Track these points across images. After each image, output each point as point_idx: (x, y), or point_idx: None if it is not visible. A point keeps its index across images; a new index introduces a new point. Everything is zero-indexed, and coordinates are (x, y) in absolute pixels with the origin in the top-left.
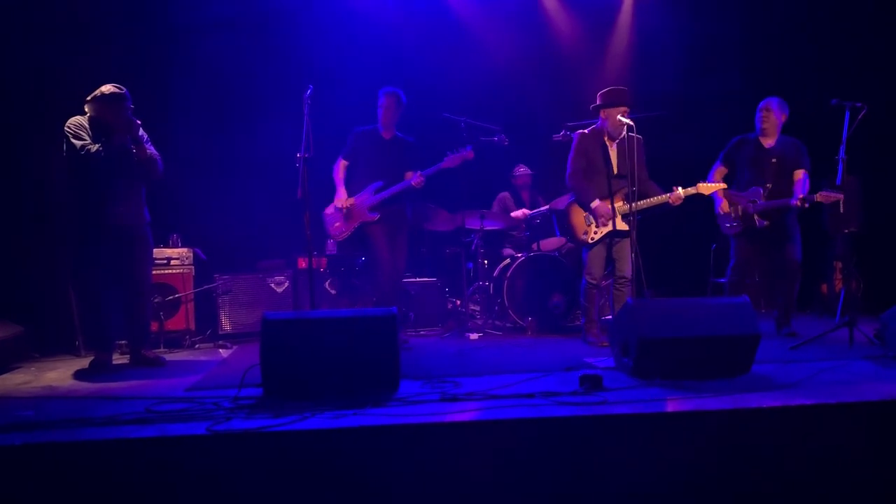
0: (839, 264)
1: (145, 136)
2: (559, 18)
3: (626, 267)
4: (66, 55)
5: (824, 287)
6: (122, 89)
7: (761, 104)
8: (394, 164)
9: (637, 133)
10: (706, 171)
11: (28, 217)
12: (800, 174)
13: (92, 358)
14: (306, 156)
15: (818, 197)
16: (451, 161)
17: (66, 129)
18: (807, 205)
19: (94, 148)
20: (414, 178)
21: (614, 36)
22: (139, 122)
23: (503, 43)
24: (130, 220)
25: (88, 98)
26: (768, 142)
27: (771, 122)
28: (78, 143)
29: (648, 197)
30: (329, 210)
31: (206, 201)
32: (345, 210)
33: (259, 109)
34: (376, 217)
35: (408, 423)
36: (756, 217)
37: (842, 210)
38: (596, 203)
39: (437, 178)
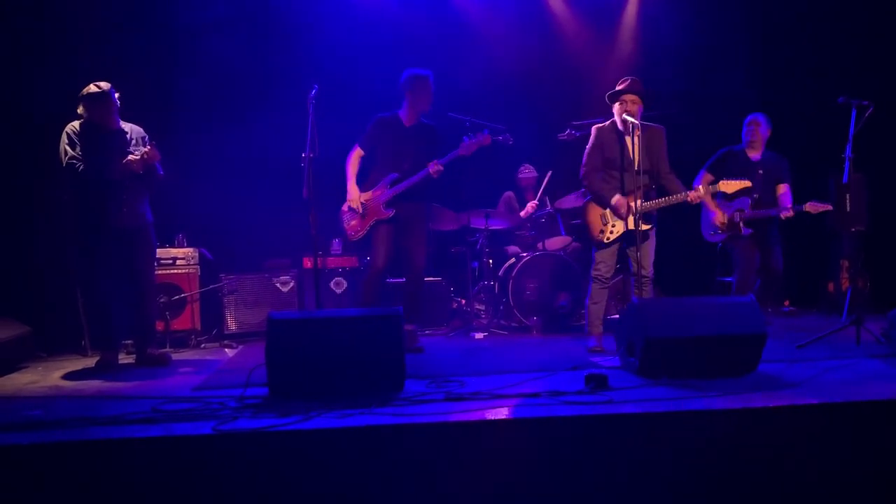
0: (846, 263)
1: (146, 137)
2: (564, 17)
3: (647, 265)
4: (71, 55)
5: (831, 286)
6: (101, 87)
7: (749, 118)
8: (414, 155)
9: (653, 125)
10: None
11: (35, 216)
12: (783, 188)
13: (98, 357)
14: (311, 156)
15: (807, 207)
16: (467, 147)
17: (62, 135)
18: (792, 214)
19: (79, 166)
20: (431, 167)
21: (619, 34)
22: (156, 156)
23: (508, 42)
24: (131, 220)
25: (78, 100)
26: (754, 154)
27: (758, 136)
28: (65, 159)
29: (669, 192)
30: (345, 207)
31: (211, 201)
32: (360, 208)
33: (264, 109)
34: (391, 214)
35: (413, 423)
36: (741, 225)
37: (848, 208)
38: (616, 198)
39: (441, 177)
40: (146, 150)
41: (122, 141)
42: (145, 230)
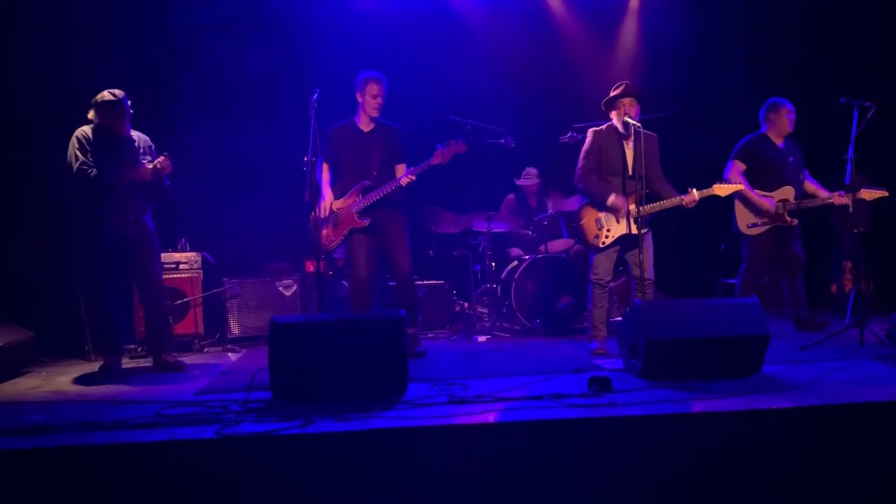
0: (848, 264)
1: (153, 146)
2: (565, 18)
3: (647, 269)
4: (74, 58)
5: (834, 287)
6: (116, 95)
7: (781, 105)
8: (380, 159)
9: (646, 132)
10: (715, 170)
11: (38, 222)
12: (804, 173)
13: (101, 362)
14: (313, 159)
15: (861, 193)
16: (441, 155)
17: (71, 140)
18: (847, 201)
19: (91, 172)
20: (403, 176)
21: (621, 35)
22: (169, 167)
23: (509, 44)
24: (136, 228)
25: (90, 106)
26: (779, 142)
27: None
28: (75, 164)
29: (662, 197)
30: (313, 216)
31: (214, 205)
32: (332, 216)
33: (266, 113)
34: (366, 223)
35: (416, 426)
36: (787, 217)
37: (851, 209)
38: (612, 198)
39: (442, 180)
40: (161, 159)
41: (132, 148)
42: (148, 237)
